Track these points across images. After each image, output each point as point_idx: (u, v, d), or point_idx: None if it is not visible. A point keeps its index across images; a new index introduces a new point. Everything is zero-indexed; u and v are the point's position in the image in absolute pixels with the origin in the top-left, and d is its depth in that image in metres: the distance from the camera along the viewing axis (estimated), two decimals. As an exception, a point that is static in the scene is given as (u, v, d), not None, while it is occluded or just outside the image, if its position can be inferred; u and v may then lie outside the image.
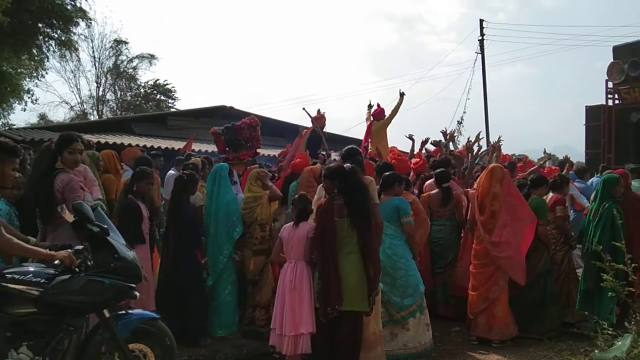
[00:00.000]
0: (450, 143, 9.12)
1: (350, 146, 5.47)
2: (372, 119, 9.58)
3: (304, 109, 8.95)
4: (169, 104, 32.68)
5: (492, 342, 5.35)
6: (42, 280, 3.20)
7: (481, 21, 25.93)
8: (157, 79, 32.86)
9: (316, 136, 8.59)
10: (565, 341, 5.30)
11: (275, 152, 11.70)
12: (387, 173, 5.26)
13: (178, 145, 12.79)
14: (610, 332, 4.45)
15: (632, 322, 4.30)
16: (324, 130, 9.04)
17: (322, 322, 4.32)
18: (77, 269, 3.32)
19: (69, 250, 3.38)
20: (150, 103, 32.42)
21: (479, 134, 8.90)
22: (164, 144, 13.68)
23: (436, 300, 6.16)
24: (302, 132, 8.49)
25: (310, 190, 5.46)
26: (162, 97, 33.04)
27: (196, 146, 12.23)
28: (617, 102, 11.44)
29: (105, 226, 3.53)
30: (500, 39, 37.94)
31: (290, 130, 15.96)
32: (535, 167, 8.74)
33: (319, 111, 9.11)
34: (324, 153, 7.85)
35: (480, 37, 25.87)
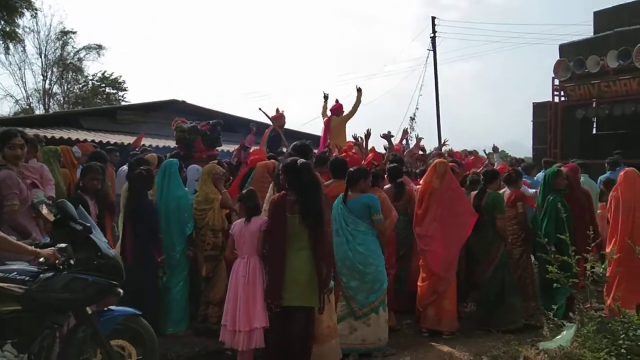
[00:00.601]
0: (404, 140, 9.27)
1: (301, 142, 5.46)
2: (330, 114, 9.55)
3: (260, 109, 8.90)
4: (119, 97, 31.97)
5: (442, 333, 5.45)
6: (26, 278, 3.20)
7: (433, 18, 26.36)
8: (105, 71, 32.13)
9: (276, 134, 8.56)
10: (513, 332, 5.43)
11: (229, 148, 11.58)
12: (352, 169, 5.26)
13: (128, 140, 12.50)
14: (555, 323, 4.60)
15: (576, 312, 4.46)
16: (284, 127, 9.02)
17: (274, 317, 4.32)
18: (60, 267, 3.32)
19: (53, 247, 3.36)
20: (100, 97, 31.60)
21: (445, 141, 9.14)
22: (113, 138, 13.31)
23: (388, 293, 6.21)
24: (253, 129, 8.49)
25: (265, 185, 5.42)
26: (112, 90, 32.27)
27: (147, 141, 11.98)
28: (563, 99, 11.78)
29: (88, 224, 3.54)
30: (452, 36, 38.59)
31: (244, 125, 15.89)
32: (485, 162, 8.95)
33: (277, 110, 9.06)
34: (284, 150, 7.82)
35: (432, 35, 26.32)
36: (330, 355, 4.55)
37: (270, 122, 8.67)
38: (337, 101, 9.78)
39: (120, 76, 32.91)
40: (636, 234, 5.92)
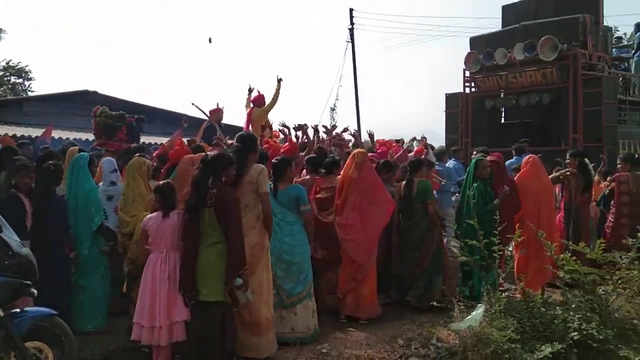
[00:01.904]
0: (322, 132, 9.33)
1: (247, 132, 5.41)
2: (252, 105, 9.42)
3: (193, 103, 8.89)
4: (25, 87, 30.14)
5: (360, 320, 5.53)
6: None
7: (351, 10, 26.62)
8: (10, 60, 30.19)
9: (211, 127, 8.49)
10: (426, 314, 5.61)
11: (146, 139, 11.23)
12: (275, 160, 5.23)
13: (36, 132, 11.80)
14: (465, 304, 4.79)
15: (484, 293, 4.65)
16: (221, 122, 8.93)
17: (193, 310, 4.25)
18: None
19: None
20: (5, 87, 29.66)
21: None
22: (20, 131, 12.55)
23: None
24: (184, 123, 8.30)
25: (189, 179, 5.28)
26: (17, 80, 30.38)
27: (56, 133, 11.36)
28: (473, 90, 12.22)
29: None
30: (371, 28, 39.21)
31: (161, 116, 15.42)
32: (403, 150, 9.16)
33: (217, 104, 8.98)
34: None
35: (350, 27, 26.59)
36: (267, 347, 4.55)
37: (202, 117, 8.61)
38: (258, 92, 9.70)
39: (27, 65, 31.05)
40: (543, 217, 6.31)
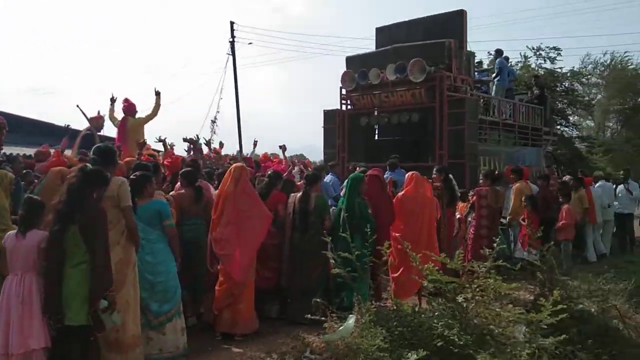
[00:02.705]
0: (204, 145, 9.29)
1: (105, 144, 5.15)
2: (123, 114, 9.28)
3: (77, 106, 8.43)
4: None
5: (235, 336, 5.47)
6: None
7: (232, 23, 26.57)
8: None
9: (90, 135, 8.21)
10: (302, 327, 5.66)
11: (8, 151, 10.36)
12: (134, 175, 5.01)
13: None
14: (338, 315, 4.91)
15: (355, 304, 4.80)
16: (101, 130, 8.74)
17: (56, 336, 3.98)
18: None
19: None
20: None
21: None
22: None
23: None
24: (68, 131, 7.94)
25: (56, 195, 4.92)
26: None
27: None
28: (349, 107, 12.61)
29: None
30: (254, 42, 39.30)
31: (28, 125, 14.34)
32: (291, 167, 9.32)
33: (98, 112, 8.76)
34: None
35: (231, 39, 26.51)
36: None
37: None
38: (126, 100, 9.43)
39: None
40: (424, 231, 6.66)
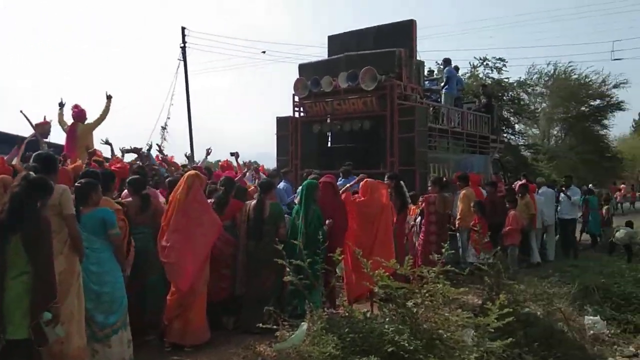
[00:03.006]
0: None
1: (46, 152, 4.97)
2: (72, 120, 9.13)
3: (21, 111, 8.14)
4: None
5: (185, 347, 5.38)
6: None
7: (183, 29, 26.26)
8: None
9: (35, 142, 7.86)
10: (254, 336, 5.61)
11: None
12: (79, 183, 4.86)
13: None
14: (290, 323, 4.89)
15: (307, 311, 4.79)
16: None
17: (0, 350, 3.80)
18: None
19: None
20: None
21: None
22: None
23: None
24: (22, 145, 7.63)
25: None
26: None
27: None
28: (302, 114, 12.62)
29: None
30: (205, 48, 39.00)
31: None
32: (243, 172, 9.30)
33: (44, 118, 8.47)
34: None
35: (182, 45, 26.19)
36: None
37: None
38: (77, 106, 9.25)
39: None
40: (380, 237, 6.74)
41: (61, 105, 9.42)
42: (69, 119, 9.38)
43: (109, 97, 9.44)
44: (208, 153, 10.33)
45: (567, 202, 12.33)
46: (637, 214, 24.59)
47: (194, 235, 5.54)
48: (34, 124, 8.18)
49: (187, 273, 5.45)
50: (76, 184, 4.87)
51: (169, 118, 25.03)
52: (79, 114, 9.22)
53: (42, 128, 8.31)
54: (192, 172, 6.09)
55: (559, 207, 12.46)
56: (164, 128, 24.33)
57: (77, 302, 4.29)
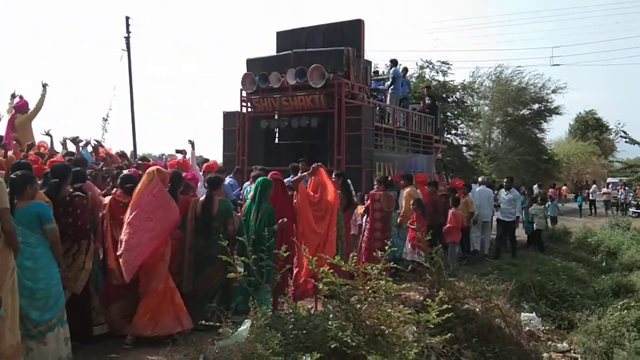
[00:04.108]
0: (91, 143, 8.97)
1: None
2: (13, 111, 9.13)
3: None
4: None
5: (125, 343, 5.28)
6: None
7: (127, 18, 25.64)
8: None
9: None
10: (196, 334, 5.55)
11: None
12: (15, 175, 4.66)
13: None
14: (233, 320, 4.86)
15: (252, 308, 4.77)
16: None
17: None
18: None
19: None
20: None
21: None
22: None
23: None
24: None
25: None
26: None
27: None
28: (250, 109, 12.53)
29: None
30: (150, 38, 38.15)
31: None
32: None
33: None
34: None
35: (126, 35, 25.55)
36: None
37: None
38: (21, 97, 9.28)
39: None
40: (330, 233, 6.81)
41: (13, 96, 9.40)
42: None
43: (44, 86, 9.41)
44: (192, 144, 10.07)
45: (508, 203, 12.64)
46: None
47: (149, 229, 5.44)
48: None
49: (131, 266, 5.35)
50: (11, 176, 4.68)
51: (110, 109, 24.42)
52: (20, 104, 9.23)
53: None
54: (154, 167, 5.97)
55: (500, 207, 12.84)
56: (105, 120, 23.64)
57: (10, 299, 4.14)
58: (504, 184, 13.39)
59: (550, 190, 26.04)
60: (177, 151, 9.72)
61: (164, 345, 5.32)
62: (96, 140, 9.21)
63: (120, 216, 5.62)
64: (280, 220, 6.18)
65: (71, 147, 8.51)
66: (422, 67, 28.08)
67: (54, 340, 4.60)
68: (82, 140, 8.53)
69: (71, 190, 5.41)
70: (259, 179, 6.46)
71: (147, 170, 5.76)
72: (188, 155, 9.01)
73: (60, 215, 5.11)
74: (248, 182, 8.81)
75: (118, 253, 5.37)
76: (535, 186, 25.67)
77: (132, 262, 5.35)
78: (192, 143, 9.15)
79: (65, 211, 5.23)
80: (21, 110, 9.24)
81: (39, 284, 4.54)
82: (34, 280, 4.51)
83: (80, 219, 5.29)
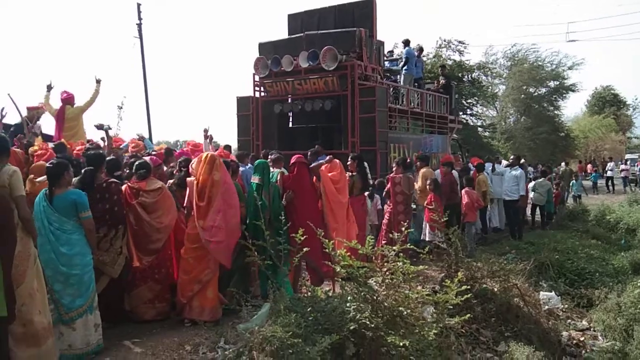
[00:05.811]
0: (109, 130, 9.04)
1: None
2: (62, 104, 9.50)
3: (9, 94, 8.46)
4: None
5: (206, 322, 5.32)
6: None
7: (138, 5, 25.59)
8: None
9: (20, 125, 8.42)
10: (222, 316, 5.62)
11: None
12: (51, 163, 4.79)
13: None
14: (253, 304, 4.91)
15: (271, 292, 4.81)
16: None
17: None
18: None
19: None
20: None
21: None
22: None
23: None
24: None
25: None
26: None
27: None
28: (263, 94, 12.50)
29: None
30: (162, 25, 38.15)
31: None
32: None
33: (39, 103, 9.09)
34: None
35: (138, 22, 25.55)
36: (47, 356, 4.25)
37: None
38: (65, 91, 9.62)
39: None
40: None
41: (49, 87, 9.63)
42: (55, 103, 9.67)
43: (98, 81, 9.73)
44: (207, 136, 10.19)
45: (510, 182, 12.23)
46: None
47: (228, 215, 5.65)
48: (26, 107, 8.53)
49: (228, 251, 5.58)
50: (47, 165, 4.82)
51: (125, 97, 24.50)
52: (67, 97, 9.52)
53: (30, 112, 8.72)
54: (211, 153, 6.04)
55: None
56: (119, 107, 23.72)
57: (36, 283, 4.23)
58: (510, 161, 13.02)
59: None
60: (204, 130, 10.06)
61: (185, 328, 5.40)
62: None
63: (132, 202, 5.70)
64: (285, 194, 6.26)
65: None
66: (440, 46, 27.80)
67: (82, 327, 4.68)
68: (104, 125, 8.60)
69: (107, 178, 5.57)
70: (259, 161, 6.48)
71: (210, 157, 5.76)
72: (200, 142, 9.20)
73: (97, 201, 5.26)
74: (247, 166, 8.86)
75: (215, 239, 5.50)
76: (562, 164, 25.44)
77: (229, 247, 5.63)
78: (206, 132, 9.32)
79: (102, 197, 5.38)
80: (69, 102, 9.56)
81: (74, 269, 4.63)
82: (69, 266, 4.60)
83: (117, 205, 5.46)
